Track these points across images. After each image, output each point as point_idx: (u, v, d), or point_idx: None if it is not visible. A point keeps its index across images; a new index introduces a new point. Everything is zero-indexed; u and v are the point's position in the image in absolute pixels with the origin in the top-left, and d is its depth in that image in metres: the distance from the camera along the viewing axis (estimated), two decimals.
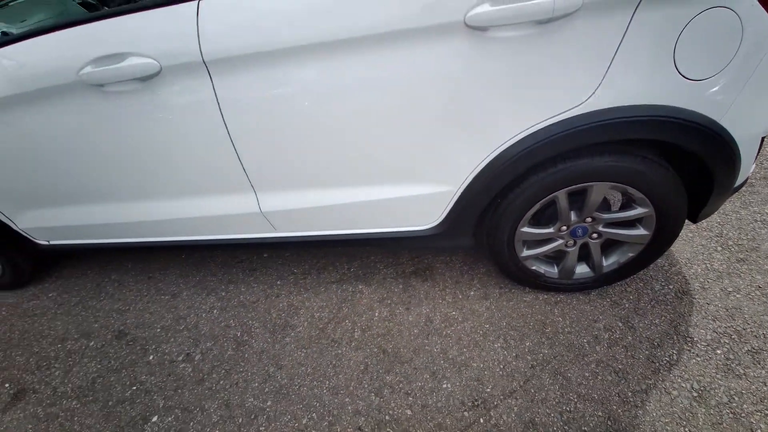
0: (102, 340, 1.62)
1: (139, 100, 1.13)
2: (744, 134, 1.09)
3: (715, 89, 0.99)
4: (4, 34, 1.46)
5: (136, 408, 1.36)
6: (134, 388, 1.43)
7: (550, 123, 1.07)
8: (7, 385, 1.50)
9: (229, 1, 1.00)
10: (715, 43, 0.94)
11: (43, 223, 1.58)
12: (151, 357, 1.53)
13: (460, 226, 1.37)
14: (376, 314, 1.57)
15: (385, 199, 1.31)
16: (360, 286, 1.70)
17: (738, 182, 1.23)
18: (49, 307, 1.81)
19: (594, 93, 1.01)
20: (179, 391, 1.40)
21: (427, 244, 1.47)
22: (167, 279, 1.87)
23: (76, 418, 1.36)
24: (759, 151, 1.21)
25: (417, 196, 1.30)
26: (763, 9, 0.91)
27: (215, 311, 1.68)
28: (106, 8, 1.58)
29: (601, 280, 1.50)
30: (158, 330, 1.63)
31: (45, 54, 1.13)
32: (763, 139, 1.18)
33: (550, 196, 1.24)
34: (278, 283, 1.77)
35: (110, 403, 1.39)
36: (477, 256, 1.76)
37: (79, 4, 1.68)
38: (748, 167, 1.20)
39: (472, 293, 1.60)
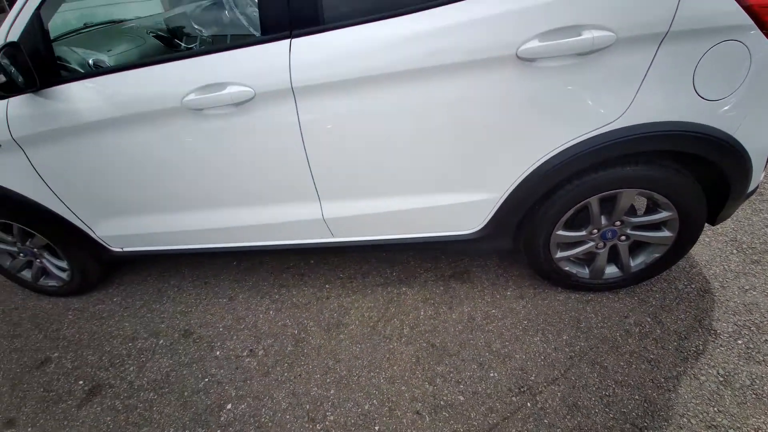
0: (170, 338, 1.77)
1: (231, 121, 1.32)
2: (755, 146, 1.25)
3: (728, 107, 1.17)
4: (96, 63, 1.67)
5: (211, 397, 1.50)
6: (206, 380, 1.57)
7: (586, 138, 1.24)
8: (81, 382, 1.64)
9: (315, 39, 1.20)
10: (728, 69, 1.12)
11: (120, 231, 1.75)
12: (217, 353, 1.67)
13: (501, 230, 1.53)
14: (422, 313, 1.72)
15: (435, 206, 1.48)
16: (404, 288, 1.85)
17: (750, 188, 1.39)
18: (115, 310, 1.96)
19: (625, 112, 1.19)
20: (248, 382, 1.54)
21: (470, 246, 1.63)
22: (222, 284, 2.03)
23: (154, 408, 1.49)
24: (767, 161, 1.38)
25: (464, 203, 1.46)
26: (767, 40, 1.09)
27: (271, 312, 1.83)
28: (195, 46, 1.81)
29: (629, 280, 1.64)
30: (221, 329, 1.78)
31: (152, 82, 1.33)
32: None
33: (584, 201, 1.41)
34: (327, 286, 1.92)
35: (185, 393, 1.53)
36: (510, 260, 1.90)
37: (154, 37, 1.91)
38: (758, 175, 1.36)
39: (508, 293, 1.75)
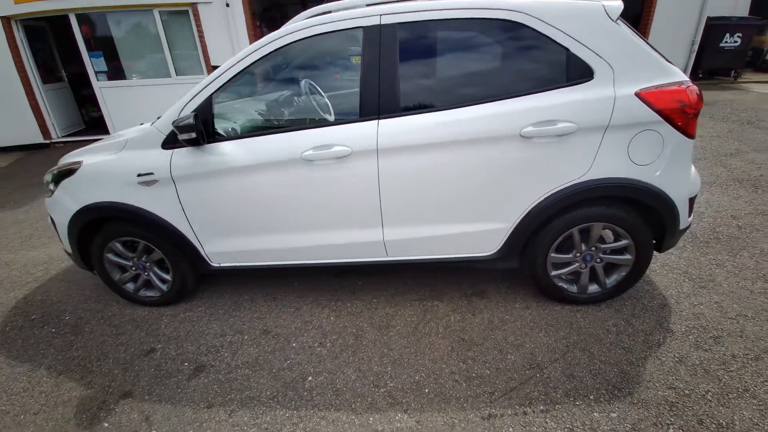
0: (253, 335, 2.23)
1: (332, 169, 1.99)
2: (676, 195, 1.92)
3: (653, 169, 1.86)
4: (236, 129, 2.37)
5: (294, 372, 1.94)
6: (288, 361, 2.02)
7: (566, 186, 1.91)
8: (186, 364, 2.07)
9: (393, 120, 1.92)
10: (649, 146, 1.83)
11: (224, 248, 2.31)
12: (294, 344, 2.13)
13: (511, 252, 2.13)
14: (452, 318, 2.23)
15: (465, 232, 2.09)
16: (435, 302, 2.37)
17: (682, 226, 2.03)
18: (202, 316, 2.43)
19: (588, 171, 1.88)
20: (322, 363, 1.99)
21: (489, 265, 2.21)
22: (287, 299, 2.53)
23: (251, 380, 1.93)
24: (692, 207, 2.04)
25: (485, 230, 2.08)
26: (676, 129, 1.82)
27: (332, 318, 2.32)
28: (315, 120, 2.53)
29: (607, 295, 2.20)
30: (293, 329, 2.25)
31: (282, 142, 2.02)
32: (691, 199, 2.02)
33: (568, 231, 2.03)
34: (374, 300, 2.44)
35: (274, 370, 1.97)
36: (516, 283, 2.46)
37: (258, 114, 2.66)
38: (686, 217, 2.02)
39: (517, 305, 2.28)
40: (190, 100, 2.08)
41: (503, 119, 1.86)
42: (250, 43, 7.28)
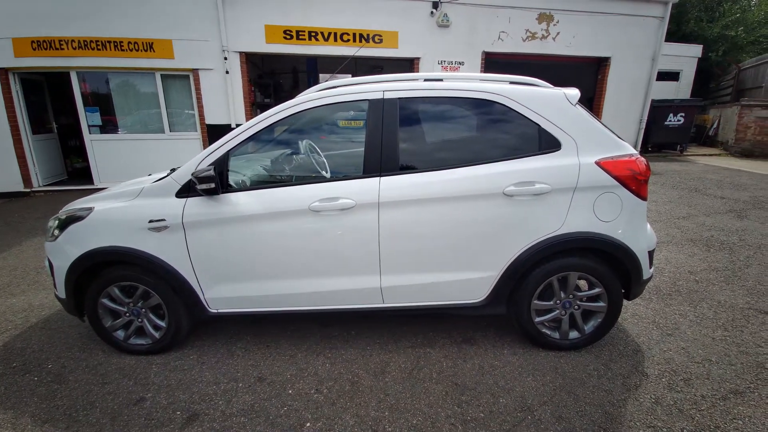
0: (248, 382, 2.22)
1: (336, 219, 2.18)
2: (637, 248, 2.21)
3: (616, 225, 2.16)
4: (246, 181, 2.56)
5: (291, 419, 1.94)
6: (285, 408, 2.02)
7: (543, 239, 2.17)
8: (178, 412, 2.03)
9: (393, 177, 2.18)
10: (611, 205, 2.14)
11: (224, 294, 2.38)
12: (290, 391, 2.14)
13: (498, 299, 2.31)
14: (444, 364, 2.31)
15: (457, 279, 2.27)
16: (428, 349, 2.46)
17: (645, 276, 2.29)
18: (194, 365, 2.40)
19: (561, 226, 2.16)
20: (320, 409, 2.00)
21: (477, 312, 2.36)
22: (281, 347, 2.55)
23: (247, 427, 1.91)
24: (651, 260, 2.32)
25: (475, 278, 2.27)
26: (631, 193, 2.15)
27: (327, 365, 2.35)
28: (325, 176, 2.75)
29: (586, 340, 2.37)
30: (288, 376, 2.27)
31: (291, 194, 2.22)
32: (650, 252, 2.31)
33: (548, 280, 2.25)
34: (368, 348, 2.50)
35: (270, 417, 1.96)
36: (502, 331, 2.60)
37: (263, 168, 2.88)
38: (647, 268, 2.29)
39: (505, 351, 2.40)
40: (209, 155, 2.28)
41: (489, 179, 2.15)
42: (245, 105, 7.84)
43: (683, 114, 10.76)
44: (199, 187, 2.13)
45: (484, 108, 2.27)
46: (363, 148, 2.26)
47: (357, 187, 2.20)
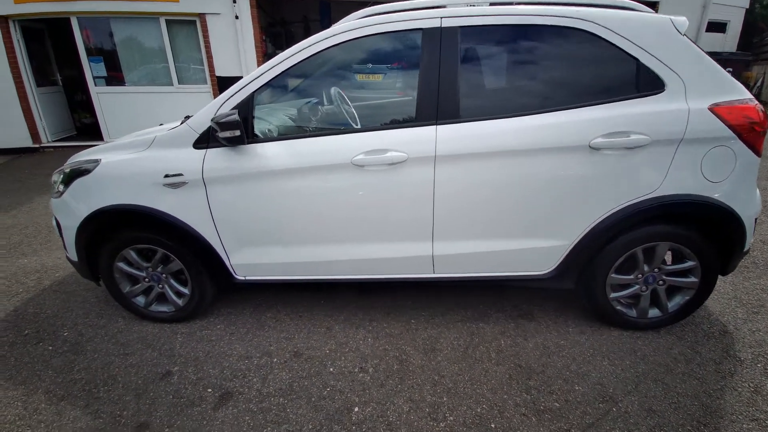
0: (283, 357, 1.99)
1: (384, 175, 1.83)
2: (745, 215, 1.83)
3: (725, 187, 1.77)
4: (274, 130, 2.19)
5: (336, 402, 1.71)
6: (328, 389, 1.79)
7: (634, 201, 1.80)
8: (209, 390, 1.82)
9: (453, 126, 1.79)
10: (722, 162, 1.74)
11: (251, 260, 2.10)
12: (331, 369, 1.91)
13: (567, 272, 1.99)
14: (502, 342, 2.05)
15: (520, 248, 1.94)
16: (480, 324, 2.19)
17: (746, 247, 1.93)
18: (222, 335, 2.18)
19: (660, 186, 1.77)
20: (367, 391, 1.77)
21: (540, 285, 2.06)
22: (316, 318, 2.31)
23: (288, 410, 1.68)
24: (755, 228, 1.95)
25: (543, 247, 1.94)
26: (746, 146, 1.74)
27: (369, 339, 2.11)
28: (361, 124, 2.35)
29: (668, 320, 2.06)
30: (327, 351, 2.03)
31: (330, 145, 1.86)
32: (756, 219, 1.93)
33: (631, 251, 1.91)
34: (412, 321, 2.24)
35: (312, 399, 1.73)
36: (563, 305, 2.31)
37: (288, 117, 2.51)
38: (750, 236, 1.92)
39: (570, 330, 2.12)
40: (230, 97, 1.91)
41: (571, 128, 1.75)
42: (257, 55, 7.27)
43: (730, 69, 9.77)
44: (221, 135, 1.78)
45: (567, 38, 1.81)
46: (415, 91, 1.86)
47: (409, 137, 1.83)
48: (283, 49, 9.21)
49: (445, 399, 1.72)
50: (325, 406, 1.70)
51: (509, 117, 1.79)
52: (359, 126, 2.04)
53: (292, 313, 2.36)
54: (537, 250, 1.95)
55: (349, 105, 2.24)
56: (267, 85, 1.91)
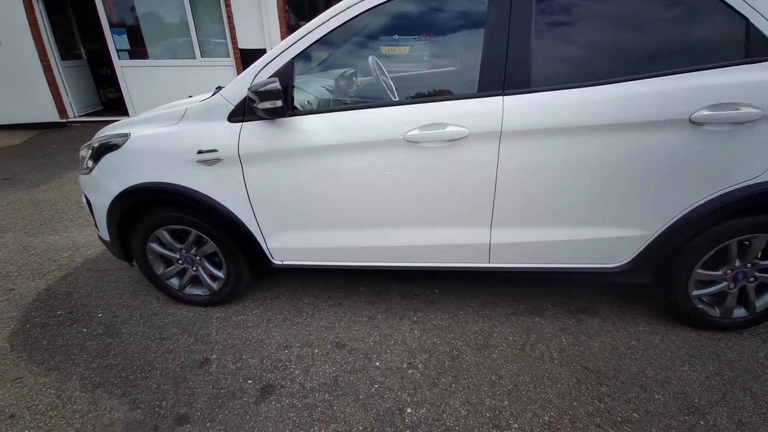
0: (324, 348, 1.87)
1: (440, 153, 1.62)
2: None
3: None
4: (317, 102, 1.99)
5: (387, 401, 1.58)
6: (375, 386, 1.65)
7: (735, 188, 1.54)
8: (250, 381, 1.71)
9: (523, 97, 1.55)
10: None
11: (291, 244, 1.95)
12: (377, 363, 1.77)
13: (644, 266, 1.76)
14: (563, 340, 1.86)
15: (595, 239, 1.72)
16: (536, 318, 2.00)
17: None
18: (259, 321, 2.07)
19: (766, 171, 1.50)
20: (419, 390, 1.62)
21: (609, 279, 1.84)
22: (356, 305, 2.17)
23: (335, 407, 1.56)
24: None
25: (618, 237, 1.71)
26: None
27: (415, 331, 1.96)
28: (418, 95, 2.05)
29: (754, 320, 1.83)
30: (371, 343, 1.89)
31: (380, 119, 1.65)
32: None
33: (725, 243, 1.66)
34: (460, 313, 2.07)
35: (360, 396, 1.61)
36: (628, 299, 2.09)
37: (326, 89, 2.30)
38: None
39: (641, 328, 1.91)
40: (267, 64, 1.71)
41: (669, 99, 1.48)
42: (280, 26, 6.98)
43: None
44: (260, 106, 1.59)
45: None
46: (477, 56, 1.61)
47: (470, 110, 1.60)
48: (306, 20, 8.85)
49: (506, 403, 1.56)
50: (375, 405, 1.57)
51: (590, 86, 1.53)
52: (407, 98, 1.81)
53: (330, 299, 2.22)
54: (610, 240, 1.73)
55: (386, 76, 2.02)
56: (307, 51, 1.70)
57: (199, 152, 1.78)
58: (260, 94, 1.57)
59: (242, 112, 1.75)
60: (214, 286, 2.12)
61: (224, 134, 1.77)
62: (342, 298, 2.23)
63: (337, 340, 1.92)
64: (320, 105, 1.91)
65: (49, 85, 6.86)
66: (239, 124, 1.76)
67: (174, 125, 1.87)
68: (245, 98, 1.73)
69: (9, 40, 6.54)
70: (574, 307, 2.07)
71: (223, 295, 2.14)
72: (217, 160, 1.78)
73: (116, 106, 7.65)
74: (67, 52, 7.23)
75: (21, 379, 1.72)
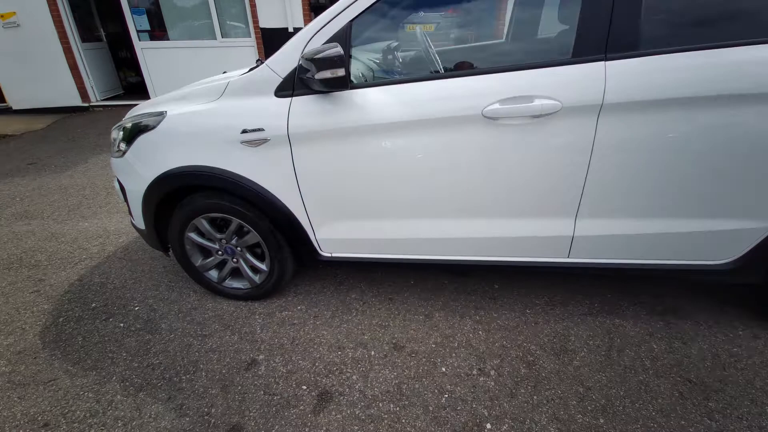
0: (381, 350, 1.69)
1: (525, 131, 1.39)
2: None
3: None
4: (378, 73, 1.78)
5: (461, 415, 1.40)
6: (446, 395, 1.47)
7: None
8: (304, 387, 1.55)
9: (631, 62, 1.30)
10: None
11: (340, 235, 1.76)
12: (443, 368, 1.59)
13: (756, 264, 1.51)
14: (654, 346, 1.64)
15: (700, 231, 1.47)
16: (616, 320, 1.78)
17: None
18: (306, 318, 1.90)
19: None
20: (495, 402, 1.44)
21: (714, 279, 1.59)
22: (409, 302, 1.98)
23: (403, 420, 1.39)
24: None
25: (731, 230, 1.46)
26: None
27: (480, 332, 1.76)
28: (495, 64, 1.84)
29: None
30: (433, 345, 1.71)
31: (456, 92, 1.42)
32: None
33: None
34: (527, 312, 1.87)
35: (430, 408, 1.43)
36: (716, 297, 1.85)
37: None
38: None
39: (740, 333, 1.67)
40: (321, 29, 1.48)
41: None
42: (303, 4, 6.68)
43: None
44: (318, 76, 1.37)
45: None
46: (575, 13, 1.36)
47: (565, 78, 1.35)
48: None
49: (601, 420, 1.36)
50: (449, 419, 1.38)
51: (710, 48, 1.27)
52: (485, 67, 1.57)
53: (380, 294, 2.04)
54: (718, 234, 1.47)
55: (432, 48, 1.77)
56: (369, 10, 1.47)
57: (243, 132, 1.58)
58: (318, 61, 1.35)
59: (291, 86, 1.54)
60: (256, 279, 1.96)
61: (271, 111, 1.56)
62: (393, 293, 2.04)
63: (394, 341, 1.74)
64: (377, 78, 1.68)
65: (70, 68, 6.75)
66: (288, 99, 1.55)
67: (214, 102, 1.67)
68: (296, 69, 1.52)
69: (28, 21, 6.43)
70: (659, 308, 1.84)
71: (265, 289, 1.97)
72: (264, 141, 1.58)
73: (137, 90, 7.54)
74: (87, 33, 7.10)
75: (55, 381, 1.60)
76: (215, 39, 6.73)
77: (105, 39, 7.64)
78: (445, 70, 1.72)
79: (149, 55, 6.78)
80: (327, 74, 1.35)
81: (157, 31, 6.72)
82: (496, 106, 1.37)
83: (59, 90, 6.83)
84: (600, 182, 1.44)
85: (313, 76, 1.38)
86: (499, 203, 1.56)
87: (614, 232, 1.54)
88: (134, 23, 6.55)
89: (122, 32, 6.98)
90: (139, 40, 6.67)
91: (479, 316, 1.85)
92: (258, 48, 6.75)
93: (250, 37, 6.78)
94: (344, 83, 1.38)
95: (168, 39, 6.76)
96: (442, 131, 1.45)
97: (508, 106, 1.37)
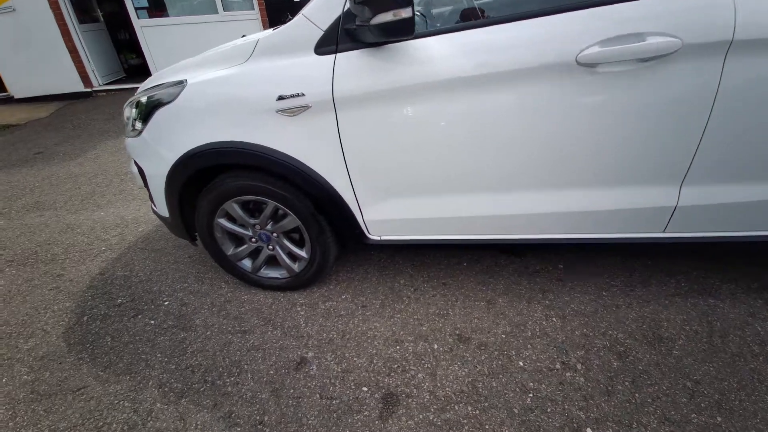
0: (445, 343, 1.50)
1: (631, 79, 1.13)
2: None
3: None
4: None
5: (554, 418, 1.21)
6: (530, 395, 1.28)
7: None
8: (364, 388, 1.37)
9: None
10: None
11: (392, 214, 1.53)
12: (520, 363, 1.39)
13: None
14: (759, 328, 1.42)
15: None
16: (710, 300, 1.56)
17: None
18: (352, 309, 1.72)
19: None
20: (590, 402, 1.24)
21: None
22: (465, 286, 1.77)
23: (486, 426, 1.21)
24: None
25: None
26: None
27: (554, 319, 1.56)
28: None
29: None
30: (503, 336, 1.51)
31: (538, 33, 1.16)
32: None
33: None
34: (604, 294, 1.65)
35: (515, 411, 1.24)
36: None
37: None
38: None
39: None
40: None
41: None
42: None
43: None
44: (376, 20, 1.11)
45: None
46: None
47: (684, 6, 1.08)
48: None
49: (719, 419, 1.16)
50: (541, 425, 1.20)
51: None
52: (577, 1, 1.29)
53: (431, 279, 1.84)
54: None
55: None
56: None
57: (280, 98, 1.35)
58: (374, 3, 1.10)
59: (335, 40, 1.29)
60: (295, 267, 1.76)
61: (312, 72, 1.32)
62: (446, 278, 1.84)
63: (457, 332, 1.54)
64: (432, 26, 1.42)
65: (69, 51, 6.47)
66: (331, 56, 1.30)
67: (242, 65, 1.42)
68: (339, 18, 1.26)
69: (23, 5, 6.12)
70: (755, 285, 1.61)
71: (305, 278, 1.78)
72: (304, 108, 1.35)
73: (139, 72, 7.25)
74: (84, 15, 6.77)
75: (85, 389, 1.44)
76: (217, 13, 6.36)
77: (102, 19, 7.30)
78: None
79: (149, 33, 6.45)
80: (388, 16, 1.09)
81: (156, 11, 6.37)
82: (596, 48, 1.11)
83: (60, 75, 6.57)
84: (720, 138, 1.18)
85: (367, 21, 1.13)
86: (588, 171, 1.32)
87: (723, 200, 1.29)
88: (132, 0, 6.20)
89: (119, 12, 6.63)
90: (138, 18, 6.32)
91: (549, 301, 1.65)
92: (262, 20, 6.38)
93: (254, 9, 6.39)
94: (410, 28, 1.11)
95: (167, 14, 6.41)
96: (522, 84, 1.20)
97: (611, 48, 1.10)
